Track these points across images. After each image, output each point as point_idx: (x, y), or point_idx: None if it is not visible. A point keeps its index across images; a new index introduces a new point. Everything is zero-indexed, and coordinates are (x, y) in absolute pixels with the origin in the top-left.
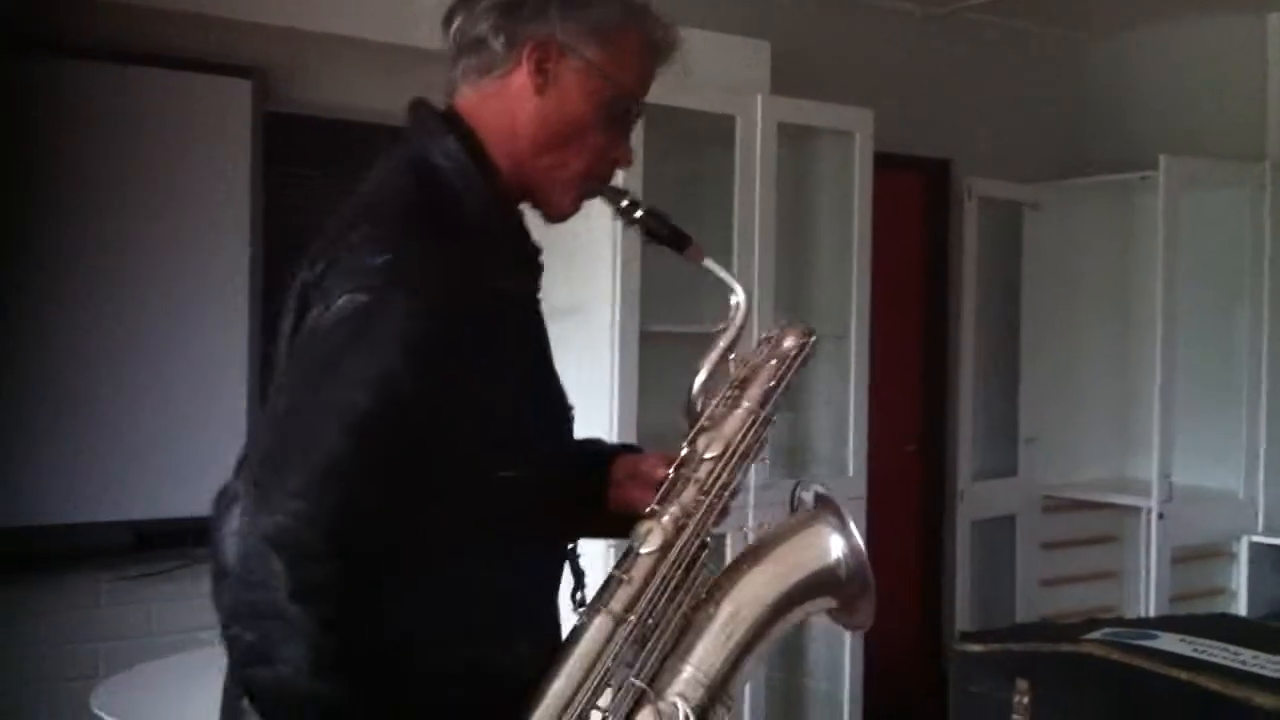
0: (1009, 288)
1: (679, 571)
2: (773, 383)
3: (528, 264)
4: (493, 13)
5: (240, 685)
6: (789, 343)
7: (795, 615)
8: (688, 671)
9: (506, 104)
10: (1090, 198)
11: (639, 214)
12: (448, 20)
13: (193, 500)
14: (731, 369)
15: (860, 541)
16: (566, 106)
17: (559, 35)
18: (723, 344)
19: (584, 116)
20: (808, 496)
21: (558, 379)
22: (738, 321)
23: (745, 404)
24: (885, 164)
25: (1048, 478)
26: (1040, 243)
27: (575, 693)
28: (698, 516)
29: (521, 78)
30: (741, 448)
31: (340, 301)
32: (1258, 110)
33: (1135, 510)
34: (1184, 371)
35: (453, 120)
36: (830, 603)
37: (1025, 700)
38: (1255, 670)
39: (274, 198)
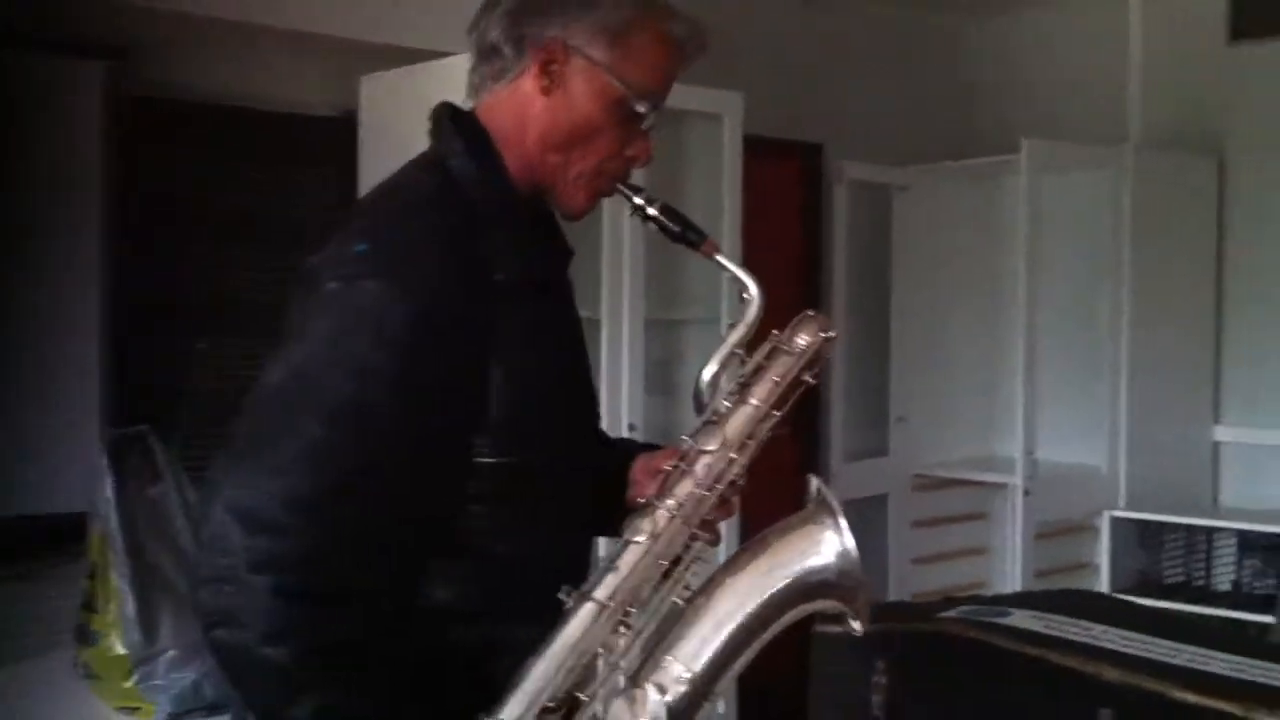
0: (880, 270)
1: (666, 562)
2: (776, 379)
3: (546, 257)
4: (504, 19)
5: (208, 646)
6: (802, 340)
7: (790, 615)
8: (670, 663)
9: (517, 107)
10: (958, 181)
11: (652, 211)
12: (471, 28)
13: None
14: (743, 364)
15: (852, 542)
16: (574, 107)
17: (565, 37)
18: (733, 339)
19: (592, 116)
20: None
21: (581, 369)
22: (749, 318)
23: (752, 401)
24: (758, 148)
25: (918, 457)
26: (909, 226)
27: (554, 675)
28: (688, 508)
29: (530, 81)
30: (740, 443)
31: (323, 289)
32: (1119, 94)
33: (1002, 487)
34: (1048, 351)
35: (466, 123)
36: (827, 604)
37: (883, 680)
38: (1105, 645)
39: (145, 182)
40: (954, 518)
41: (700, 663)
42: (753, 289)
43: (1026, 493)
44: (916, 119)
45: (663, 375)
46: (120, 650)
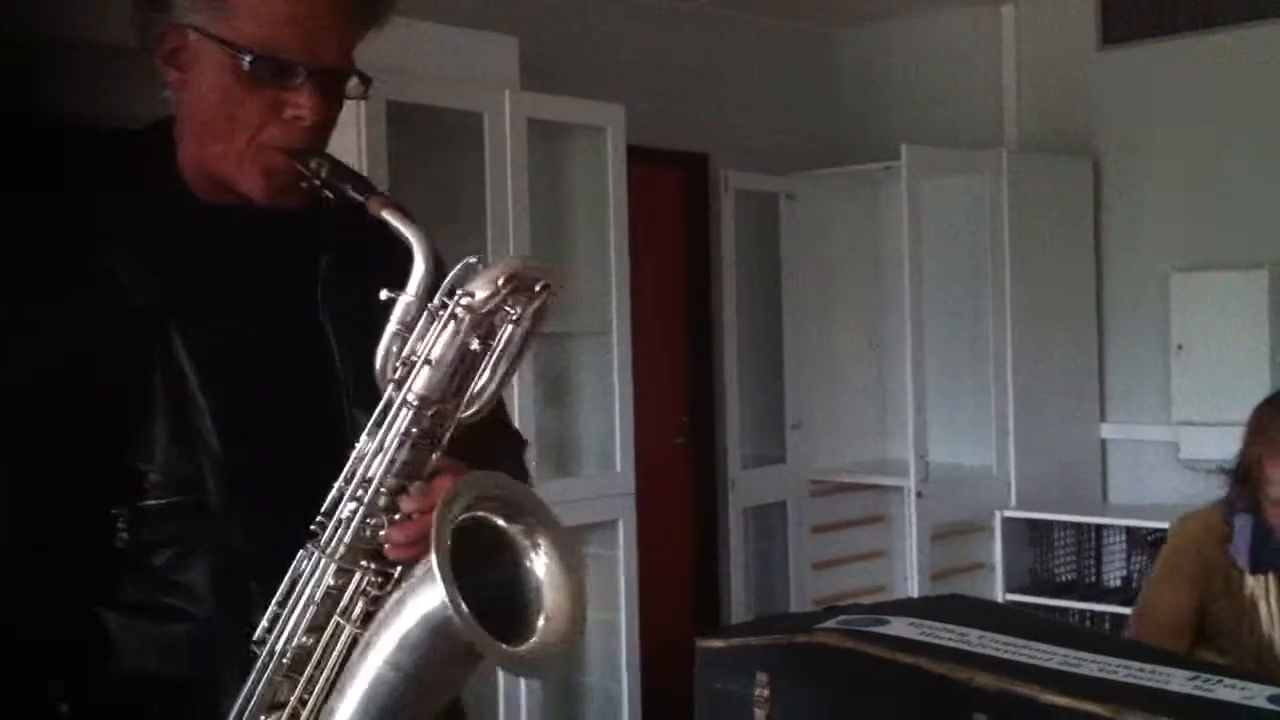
0: (769, 278)
1: (314, 590)
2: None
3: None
4: (136, 17)
5: None
6: (476, 297)
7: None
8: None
9: (178, 107)
10: (841, 188)
11: (324, 172)
12: None
13: None
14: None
15: (445, 598)
16: (203, 87)
17: (175, 17)
18: (396, 314)
19: (220, 90)
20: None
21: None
22: (411, 286)
23: (407, 396)
24: (643, 159)
25: (814, 462)
26: (796, 233)
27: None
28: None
29: (170, 75)
30: (399, 443)
31: None
32: (994, 99)
33: (897, 490)
34: (935, 354)
35: (153, 129)
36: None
37: (765, 693)
38: (980, 650)
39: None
40: (852, 522)
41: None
42: (417, 252)
43: (919, 495)
44: (799, 127)
45: (555, 389)
46: None
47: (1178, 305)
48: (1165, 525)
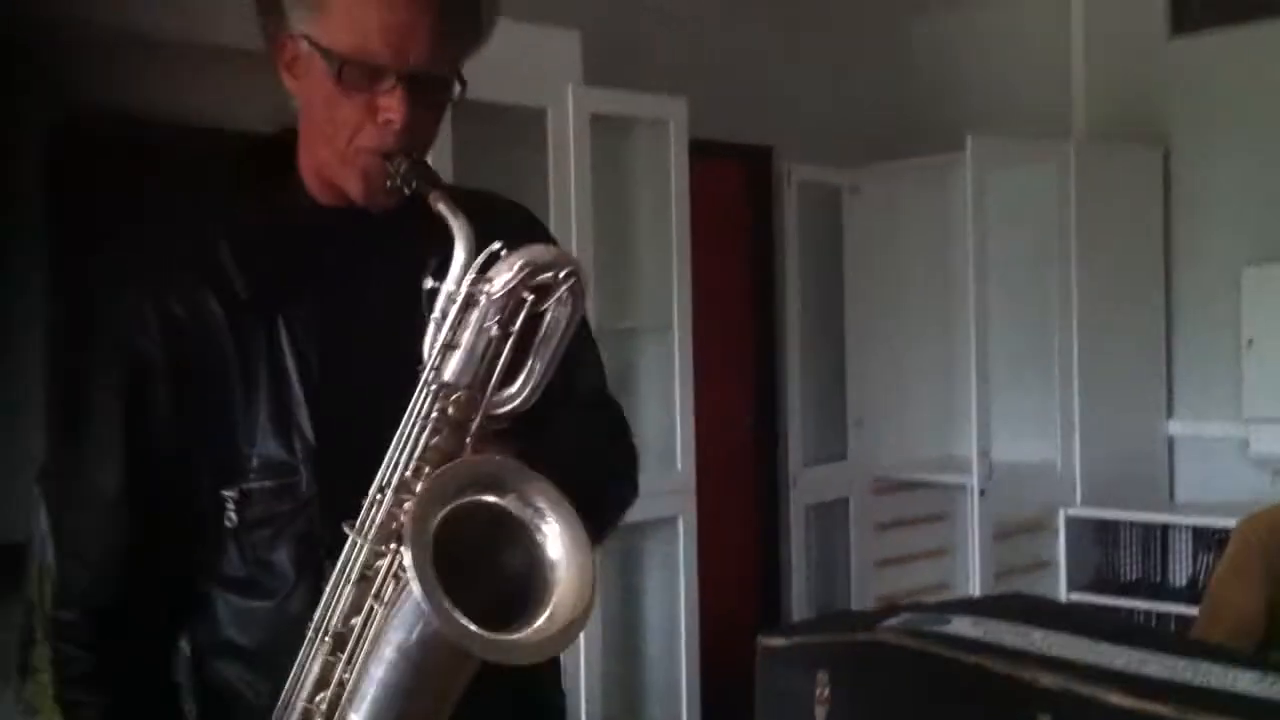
0: (832, 271)
1: (353, 572)
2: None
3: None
4: (262, 27)
5: None
6: (495, 285)
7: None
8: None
9: (299, 113)
10: (907, 180)
11: (402, 169)
12: None
13: None
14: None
15: (420, 593)
16: (313, 94)
17: (291, 27)
18: (438, 305)
19: (324, 95)
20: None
21: None
22: (453, 276)
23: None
24: (705, 152)
25: (877, 459)
26: (860, 226)
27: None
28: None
29: (289, 84)
30: (409, 446)
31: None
32: (1063, 87)
33: (960, 488)
34: (1000, 349)
35: (282, 134)
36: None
37: (826, 692)
38: (1043, 651)
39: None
40: (915, 520)
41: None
42: (459, 243)
43: (982, 493)
44: (863, 119)
45: (616, 385)
46: None
47: (1249, 299)
48: (1234, 524)
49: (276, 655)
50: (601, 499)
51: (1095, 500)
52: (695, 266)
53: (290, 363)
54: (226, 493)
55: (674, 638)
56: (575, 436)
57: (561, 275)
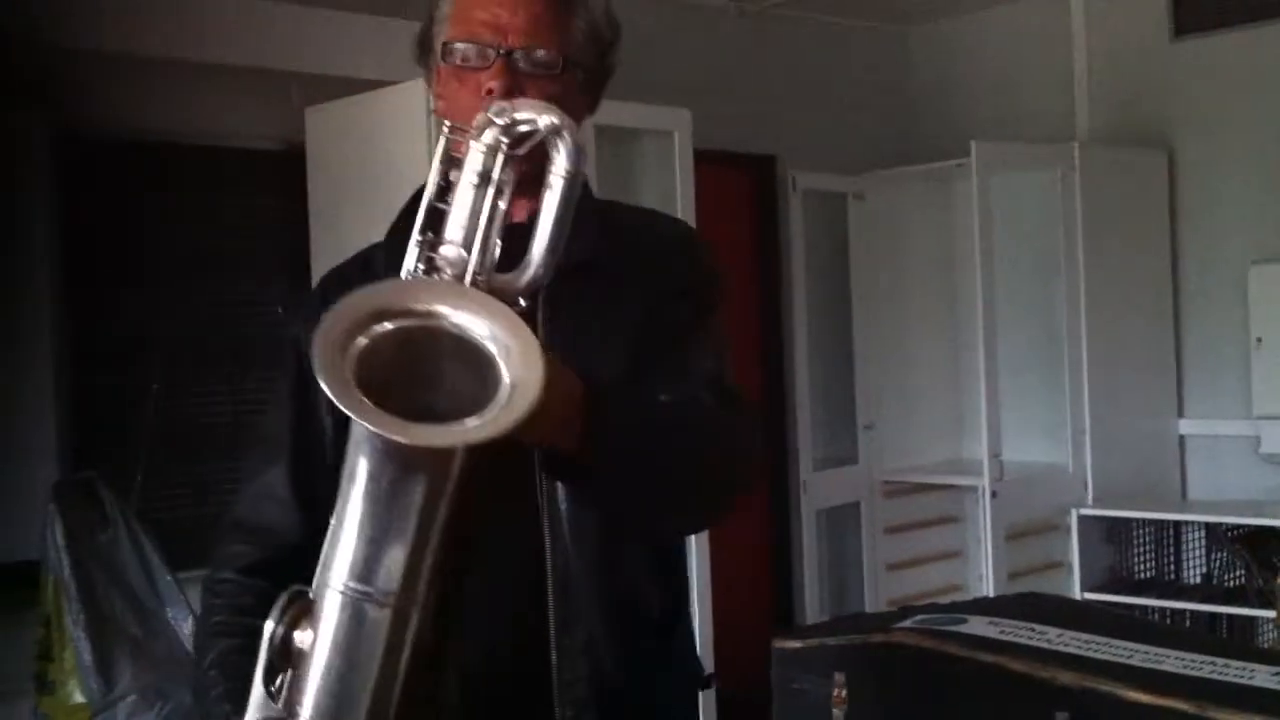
0: (839, 278)
1: None
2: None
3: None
4: (422, 69)
5: None
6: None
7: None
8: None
9: None
10: (912, 186)
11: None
12: None
13: None
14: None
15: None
16: (446, 98)
17: (435, 58)
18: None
19: (448, 88)
20: None
21: None
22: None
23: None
24: (711, 162)
25: (887, 463)
26: (866, 233)
27: None
28: None
29: (438, 108)
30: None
31: None
32: (1065, 92)
33: (972, 490)
34: (1008, 351)
35: None
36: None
37: (843, 693)
38: (1059, 649)
39: (72, 222)
40: (926, 522)
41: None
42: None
43: (994, 494)
44: (867, 126)
45: None
46: (79, 699)
47: (1256, 298)
48: (1246, 521)
49: None
50: (689, 457)
51: (1107, 500)
52: None
53: None
54: None
55: None
56: (667, 397)
57: (542, 125)
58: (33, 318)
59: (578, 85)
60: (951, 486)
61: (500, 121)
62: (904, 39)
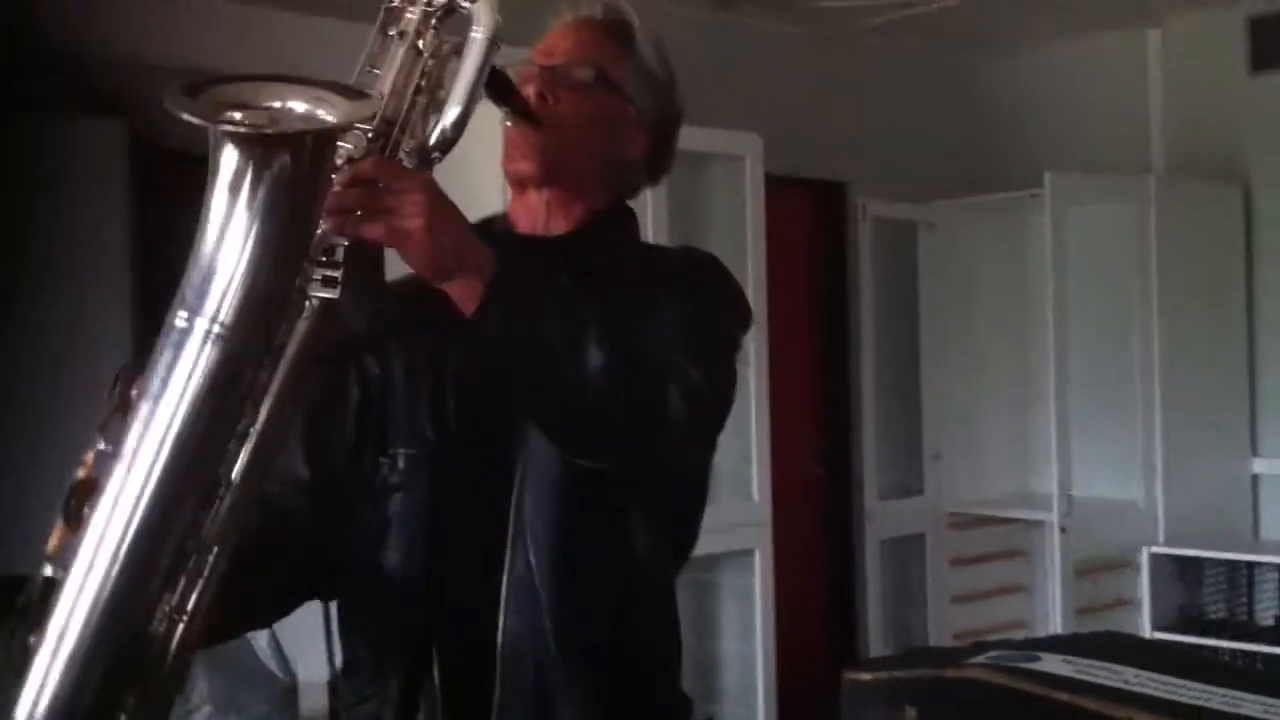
0: (907, 306)
1: None
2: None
3: None
4: None
5: None
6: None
7: None
8: None
9: None
10: (983, 216)
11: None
12: None
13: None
14: None
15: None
16: None
17: None
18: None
19: None
20: None
21: None
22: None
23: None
24: (780, 187)
25: (954, 494)
26: (936, 261)
27: None
28: None
29: None
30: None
31: None
32: (1141, 124)
33: (1039, 524)
34: (1080, 384)
35: None
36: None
37: None
38: (1137, 689)
39: (149, 235)
40: (992, 556)
41: None
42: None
43: (1063, 530)
44: (939, 154)
45: None
46: None
47: None
48: None
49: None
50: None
51: (1179, 538)
52: (769, 300)
53: (439, 363)
54: (392, 452)
55: (750, 671)
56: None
57: None
58: (111, 319)
59: (633, 118)
60: (1019, 520)
61: None
62: (974, 67)
